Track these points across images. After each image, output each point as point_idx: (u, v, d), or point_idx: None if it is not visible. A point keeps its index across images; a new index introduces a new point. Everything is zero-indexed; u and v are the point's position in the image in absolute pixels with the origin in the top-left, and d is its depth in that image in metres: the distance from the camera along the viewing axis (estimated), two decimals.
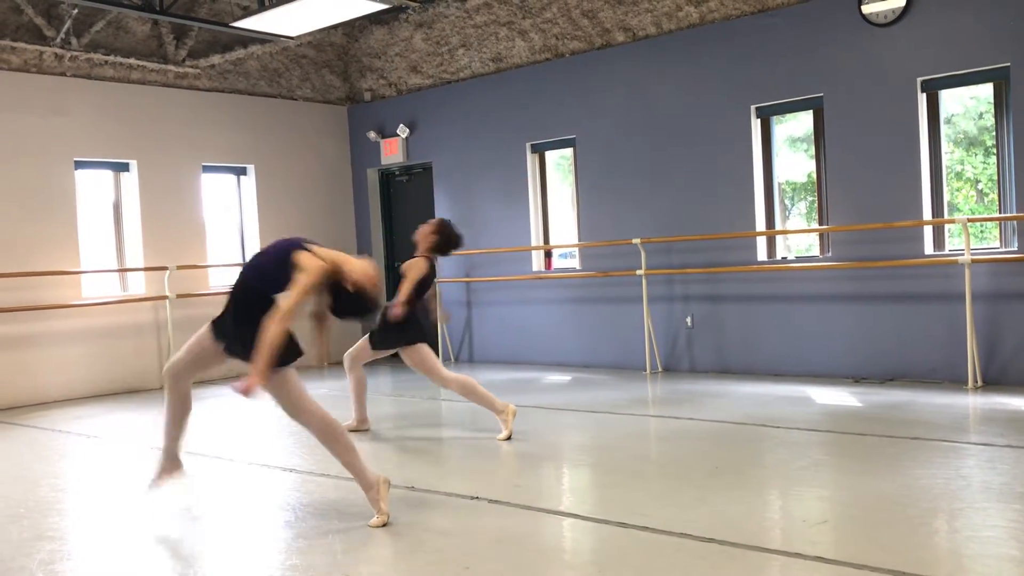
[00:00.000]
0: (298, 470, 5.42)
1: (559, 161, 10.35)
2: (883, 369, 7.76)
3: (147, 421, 7.57)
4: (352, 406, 6.51)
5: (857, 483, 4.58)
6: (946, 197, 7.64)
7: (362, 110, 11.63)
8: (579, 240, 9.75)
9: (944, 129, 7.65)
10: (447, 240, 6.26)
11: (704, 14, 8.63)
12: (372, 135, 11.32)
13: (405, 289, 6.04)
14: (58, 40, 8.90)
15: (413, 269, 6.10)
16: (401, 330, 6.11)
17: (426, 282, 6.16)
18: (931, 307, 7.50)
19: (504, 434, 6.01)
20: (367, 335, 6.36)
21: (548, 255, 10.27)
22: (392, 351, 6.31)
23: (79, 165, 9.34)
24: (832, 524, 3.96)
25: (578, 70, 9.56)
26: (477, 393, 6.05)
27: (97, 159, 9.49)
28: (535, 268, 10.17)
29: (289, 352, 4.09)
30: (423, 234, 6.25)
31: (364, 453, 5.90)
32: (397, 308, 5.98)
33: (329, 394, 8.52)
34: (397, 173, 11.54)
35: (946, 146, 7.70)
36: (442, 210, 10.80)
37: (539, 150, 10.11)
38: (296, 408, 4.18)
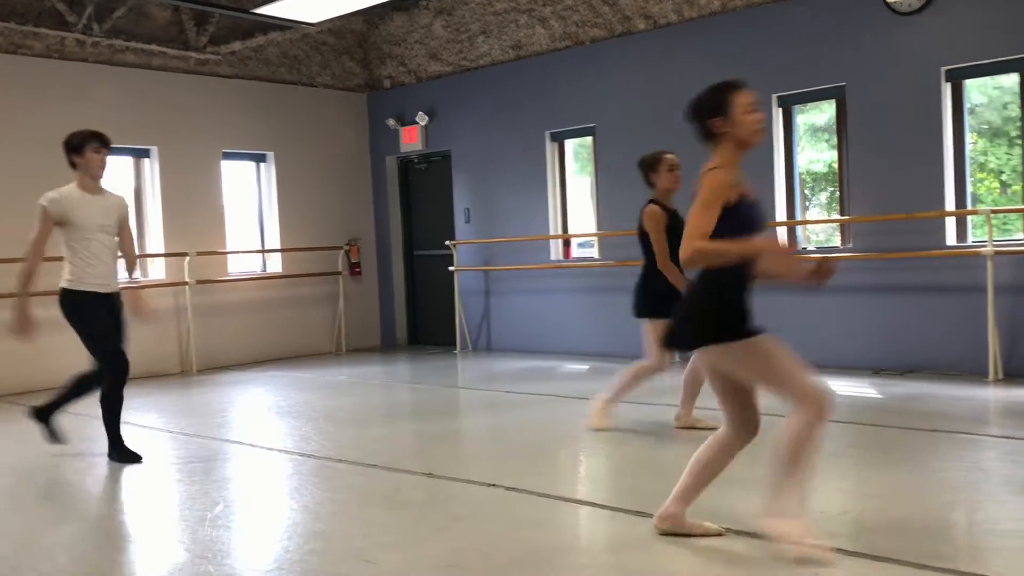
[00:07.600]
0: (317, 456, 5.45)
1: (578, 149, 10.31)
2: (903, 361, 7.70)
3: (166, 405, 7.63)
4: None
5: (876, 475, 4.56)
6: (969, 188, 7.57)
7: (381, 97, 11.63)
8: (598, 229, 9.72)
9: (968, 119, 7.57)
10: None
11: (726, 2, 8.55)
12: (391, 122, 11.32)
13: None
14: (80, 26, 8.94)
15: None
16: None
17: None
18: (953, 299, 7.44)
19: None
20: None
21: (567, 244, 10.25)
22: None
23: None
24: (851, 516, 3.95)
25: (598, 58, 9.51)
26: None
27: (118, 145, 9.50)
28: (553, 257, 10.15)
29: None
30: None
31: (380, 440, 5.96)
32: None
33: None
34: (416, 161, 11.54)
35: (970, 137, 7.62)
36: (461, 198, 10.80)
37: (558, 138, 10.08)
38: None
